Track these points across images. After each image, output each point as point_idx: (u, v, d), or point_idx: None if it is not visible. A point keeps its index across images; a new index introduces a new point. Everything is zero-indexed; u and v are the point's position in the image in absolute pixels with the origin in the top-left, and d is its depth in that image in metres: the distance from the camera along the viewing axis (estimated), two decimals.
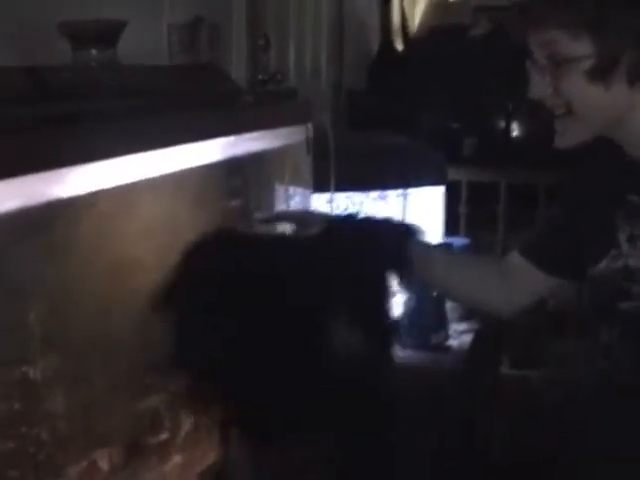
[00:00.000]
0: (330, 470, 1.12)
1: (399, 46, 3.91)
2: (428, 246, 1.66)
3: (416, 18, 4.09)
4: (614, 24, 1.32)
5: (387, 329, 1.24)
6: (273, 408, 1.10)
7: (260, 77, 2.42)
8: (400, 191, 2.57)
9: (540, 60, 1.37)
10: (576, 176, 1.57)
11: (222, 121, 1.64)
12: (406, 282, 1.40)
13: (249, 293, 1.16)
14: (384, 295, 1.27)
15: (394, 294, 1.41)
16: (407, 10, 3.98)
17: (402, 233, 1.40)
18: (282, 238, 1.39)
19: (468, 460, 2.31)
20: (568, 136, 1.41)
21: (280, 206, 1.97)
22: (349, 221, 1.37)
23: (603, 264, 1.45)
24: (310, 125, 2.04)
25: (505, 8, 4.82)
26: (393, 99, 3.77)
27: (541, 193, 3.18)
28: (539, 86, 1.39)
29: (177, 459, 1.56)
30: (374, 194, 2.55)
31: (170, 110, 1.54)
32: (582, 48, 1.34)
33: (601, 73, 1.34)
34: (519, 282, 1.59)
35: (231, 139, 1.68)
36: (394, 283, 1.41)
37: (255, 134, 1.77)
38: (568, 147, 1.43)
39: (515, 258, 1.59)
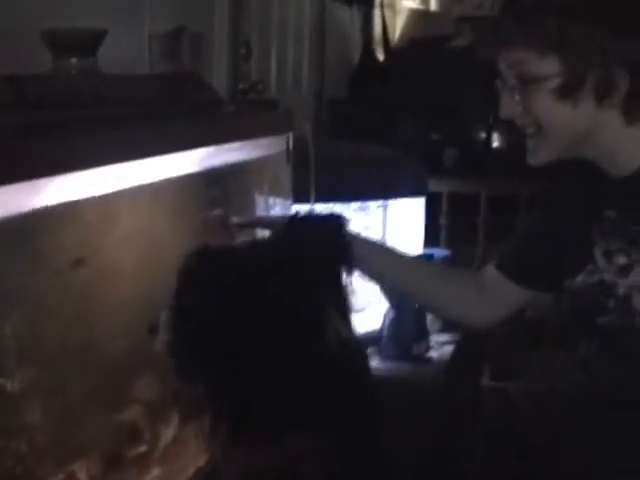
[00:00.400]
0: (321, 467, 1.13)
1: (380, 56, 3.92)
2: (367, 240, 1.68)
3: (397, 29, 4.10)
4: (577, 44, 1.34)
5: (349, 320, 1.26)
6: (259, 402, 1.15)
7: (241, 86, 2.42)
8: (380, 202, 2.57)
9: (509, 80, 1.39)
10: (554, 190, 1.58)
11: (203, 131, 1.63)
12: (348, 270, 1.36)
13: (234, 297, 1.18)
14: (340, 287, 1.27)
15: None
16: (388, 20, 3.99)
17: (334, 221, 1.40)
18: (251, 244, 1.41)
19: (446, 472, 2.30)
20: (539, 154, 1.42)
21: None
22: (292, 220, 1.38)
23: (580, 278, 1.46)
24: (290, 135, 2.03)
25: (487, 18, 4.87)
26: (374, 109, 3.78)
27: (522, 204, 3.19)
28: (509, 106, 1.41)
29: (156, 472, 1.55)
30: (355, 205, 2.54)
31: (151, 119, 1.53)
32: (549, 67, 1.36)
33: (568, 91, 1.36)
34: (495, 295, 1.59)
35: (211, 149, 1.67)
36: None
37: (236, 144, 1.76)
38: (539, 164, 1.45)
39: (490, 272, 1.60)
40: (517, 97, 1.39)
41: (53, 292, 1.31)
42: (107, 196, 1.40)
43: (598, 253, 1.44)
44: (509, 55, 1.39)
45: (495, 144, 3.77)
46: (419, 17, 4.30)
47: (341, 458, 1.17)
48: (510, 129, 3.77)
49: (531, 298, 1.60)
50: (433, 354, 2.39)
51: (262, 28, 3.06)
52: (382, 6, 3.91)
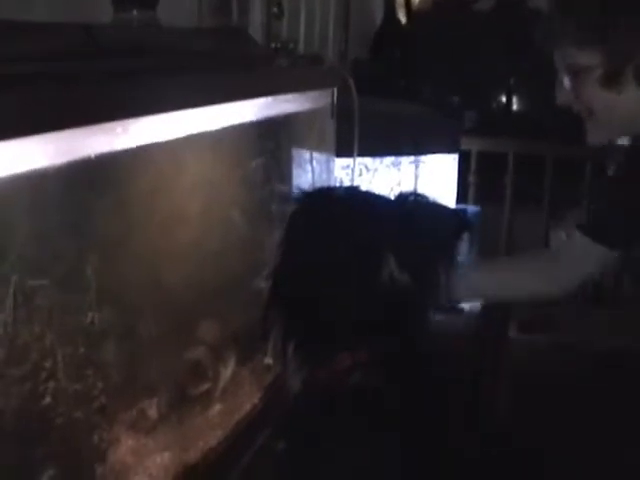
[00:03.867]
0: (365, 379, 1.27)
1: (402, 19, 3.94)
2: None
3: None
4: (614, 35, 1.48)
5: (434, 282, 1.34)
6: (332, 314, 1.30)
7: (273, 45, 2.45)
8: (412, 158, 2.62)
9: (561, 70, 1.57)
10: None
11: (261, 82, 1.68)
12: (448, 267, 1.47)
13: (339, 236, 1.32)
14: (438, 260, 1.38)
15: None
16: None
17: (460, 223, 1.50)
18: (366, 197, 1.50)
19: (471, 424, 2.37)
20: (595, 135, 1.60)
21: (306, 169, 2.01)
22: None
23: None
24: (335, 90, 2.08)
25: None
26: (396, 70, 3.80)
27: (548, 164, 3.24)
28: (564, 94, 1.59)
29: (217, 408, 1.61)
30: (388, 161, 2.59)
31: (211, 70, 1.57)
32: (591, 59, 1.51)
33: (610, 80, 1.51)
34: (577, 261, 1.66)
35: (267, 100, 1.72)
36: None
37: (287, 96, 1.81)
38: (598, 144, 1.65)
39: (578, 239, 1.67)
40: (569, 86, 1.56)
41: (130, 233, 1.36)
42: (176, 141, 1.45)
43: None
44: (559, 47, 1.55)
45: (514, 107, 3.81)
46: None
47: (382, 376, 1.28)
48: (529, 93, 3.82)
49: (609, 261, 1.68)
50: (464, 305, 2.46)
51: None
52: None
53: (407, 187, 2.57)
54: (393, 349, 1.29)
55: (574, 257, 1.68)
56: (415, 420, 1.27)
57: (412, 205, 1.37)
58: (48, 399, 1.14)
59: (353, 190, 1.54)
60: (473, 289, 1.70)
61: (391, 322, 1.31)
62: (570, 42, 1.53)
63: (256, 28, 2.76)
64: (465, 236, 1.44)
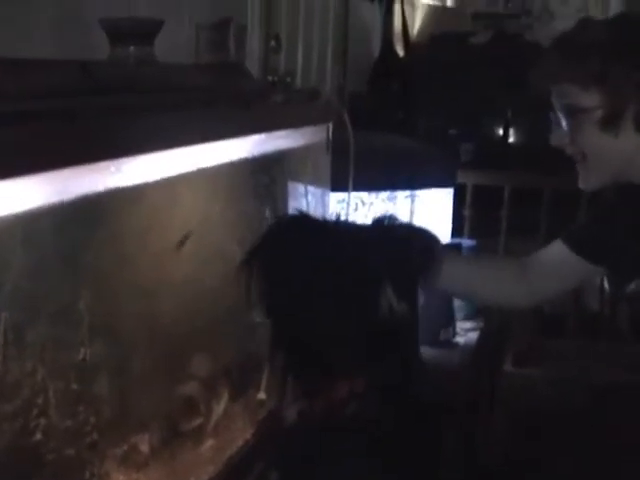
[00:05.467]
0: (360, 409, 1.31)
1: (400, 51, 3.98)
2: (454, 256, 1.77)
3: (416, 24, 4.15)
4: (617, 79, 1.47)
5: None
6: (331, 347, 1.33)
7: (271, 78, 2.47)
8: (408, 192, 2.64)
9: (558, 111, 1.54)
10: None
11: (257, 118, 1.70)
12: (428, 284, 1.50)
13: (319, 264, 1.36)
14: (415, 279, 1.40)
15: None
16: (407, 16, 4.05)
17: (432, 240, 1.54)
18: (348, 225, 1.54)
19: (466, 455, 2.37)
20: (588, 180, 1.57)
21: (302, 203, 2.02)
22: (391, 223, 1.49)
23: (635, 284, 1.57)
24: (330, 125, 2.10)
25: (500, 15, 4.91)
26: (393, 103, 3.84)
27: (545, 197, 3.26)
28: (558, 135, 1.56)
29: (209, 443, 1.61)
30: (383, 195, 2.60)
31: (208, 106, 1.59)
32: (591, 100, 1.49)
33: (609, 122, 1.48)
34: (553, 272, 1.66)
35: (262, 136, 1.74)
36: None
37: (283, 132, 1.83)
38: (590, 190, 1.62)
39: (556, 246, 1.67)
40: (565, 127, 1.53)
41: (122, 269, 1.37)
42: (170, 179, 1.46)
43: None
44: (557, 88, 1.53)
45: (512, 139, 3.83)
46: (436, 13, 4.36)
47: (378, 405, 1.31)
48: (526, 126, 3.84)
49: (585, 277, 1.69)
50: (459, 340, 2.47)
51: (290, 22, 3.11)
52: (402, 1, 3.97)
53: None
54: (390, 379, 1.31)
55: (552, 266, 1.67)
56: (409, 450, 1.28)
57: (389, 229, 1.39)
58: (39, 435, 1.15)
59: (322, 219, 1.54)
60: (445, 279, 1.63)
61: (389, 352, 1.33)
62: (570, 82, 1.51)
63: (253, 62, 2.79)
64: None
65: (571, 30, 1.56)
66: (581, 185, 1.58)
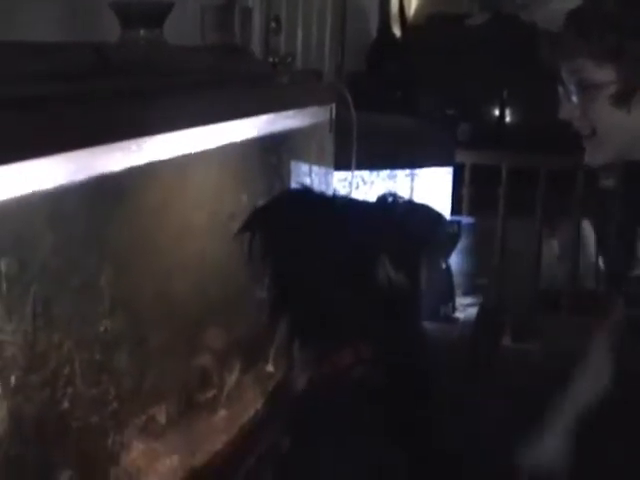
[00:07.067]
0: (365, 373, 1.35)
1: (397, 32, 4.01)
2: None
3: (412, 5, 4.19)
4: (632, 57, 1.47)
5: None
6: (333, 312, 1.39)
7: (271, 59, 2.51)
8: (408, 171, 2.69)
9: (569, 86, 1.54)
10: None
11: (265, 99, 1.74)
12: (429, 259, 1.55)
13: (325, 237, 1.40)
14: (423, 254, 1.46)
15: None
16: None
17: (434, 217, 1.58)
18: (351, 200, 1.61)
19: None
20: (595, 155, 1.58)
21: (306, 182, 2.07)
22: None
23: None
24: (334, 105, 2.14)
25: None
26: (391, 83, 3.87)
27: (541, 176, 3.30)
28: (568, 109, 1.55)
29: (222, 413, 1.67)
30: (384, 174, 2.65)
31: (218, 88, 1.63)
32: (606, 76, 1.49)
33: (623, 98, 1.49)
34: None
35: (269, 116, 1.78)
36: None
37: (289, 112, 1.87)
38: (596, 165, 1.62)
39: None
40: (576, 102, 1.54)
41: (140, 245, 1.42)
42: (184, 157, 1.51)
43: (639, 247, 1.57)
44: (570, 64, 1.53)
45: (508, 119, 3.88)
46: None
47: (382, 369, 1.36)
48: (523, 105, 3.88)
49: None
50: (459, 315, 2.53)
51: (289, 4, 3.15)
52: None
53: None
54: (393, 346, 1.36)
55: None
56: (411, 415, 1.34)
57: (392, 205, 1.44)
58: (66, 404, 1.20)
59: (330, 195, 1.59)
60: None
61: (390, 320, 1.38)
62: (585, 57, 1.50)
63: (255, 43, 2.82)
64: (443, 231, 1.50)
65: (583, 5, 1.56)
66: (587, 160, 1.58)
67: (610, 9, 1.52)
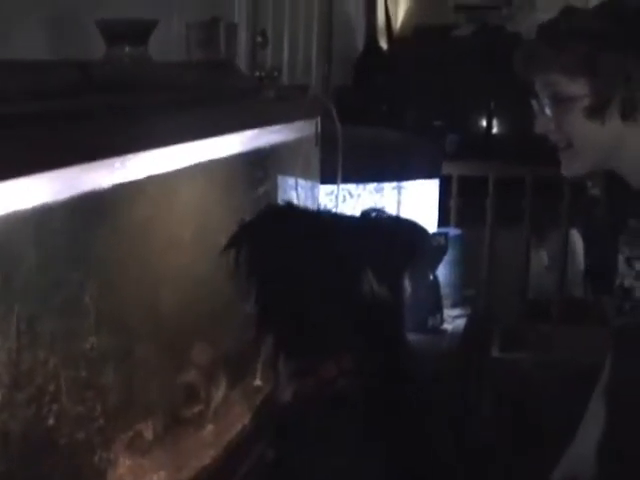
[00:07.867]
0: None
1: (384, 44, 4.03)
2: None
3: (399, 17, 4.21)
4: (605, 69, 1.48)
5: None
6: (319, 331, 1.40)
7: (258, 73, 2.52)
8: (395, 184, 2.70)
9: (544, 99, 1.55)
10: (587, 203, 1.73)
11: (250, 114, 1.75)
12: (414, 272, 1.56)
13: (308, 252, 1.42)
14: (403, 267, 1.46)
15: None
16: (391, 9, 4.10)
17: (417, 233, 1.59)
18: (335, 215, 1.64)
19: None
20: (571, 167, 1.58)
21: (292, 196, 2.08)
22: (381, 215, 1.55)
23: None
24: (319, 119, 2.15)
25: (481, 7, 4.93)
26: (378, 96, 3.89)
27: (528, 187, 3.31)
28: (543, 122, 1.56)
29: (209, 429, 1.67)
30: (371, 187, 2.66)
31: (203, 104, 1.64)
32: (579, 89, 1.50)
33: (596, 111, 1.50)
34: None
35: (255, 131, 1.79)
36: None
37: (275, 127, 1.88)
38: (572, 176, 1.63)
39: None
40: (550, 115, 1.54)
41: (125, 262, 1.42)
42: (170, 173, 1.51)
43: (621, 259, 1.57)
44: (543, 77, 1.54)
45: (495, 130, 3.90)
46: (419, 6, 4.41)
47: (367, 379, 1.38)
48: (509, 116, 3.89)
49: None
50: (447, 326, 2.54)
51: (275, 18, 3.16)
52: None
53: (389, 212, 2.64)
54: (375, 359, 1.37)
55: None
56: (397, 427, 1.35)
57: (376, 220, 1.45)
58: (52, 421, 1.20)
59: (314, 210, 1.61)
60: None
61: (373, 332, 1.39)
62: (558, 71, 1.51)
63: (241, 57, 2.84)
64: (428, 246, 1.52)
65: (556, 18, 1.56)
66: (564, 171, 1.59)
67: (582, 21, 1.53)
